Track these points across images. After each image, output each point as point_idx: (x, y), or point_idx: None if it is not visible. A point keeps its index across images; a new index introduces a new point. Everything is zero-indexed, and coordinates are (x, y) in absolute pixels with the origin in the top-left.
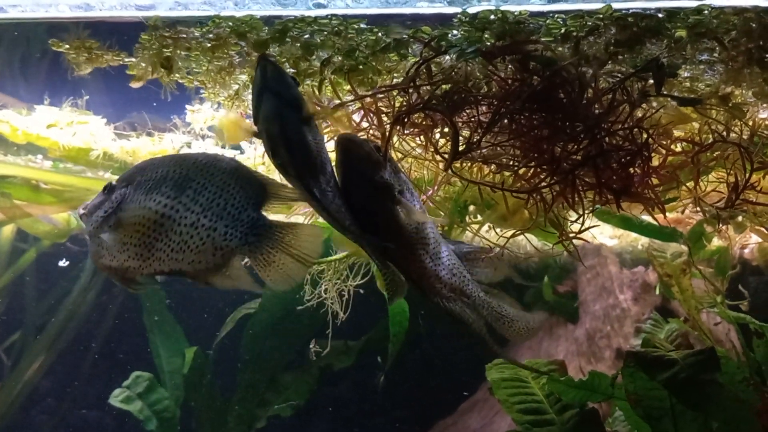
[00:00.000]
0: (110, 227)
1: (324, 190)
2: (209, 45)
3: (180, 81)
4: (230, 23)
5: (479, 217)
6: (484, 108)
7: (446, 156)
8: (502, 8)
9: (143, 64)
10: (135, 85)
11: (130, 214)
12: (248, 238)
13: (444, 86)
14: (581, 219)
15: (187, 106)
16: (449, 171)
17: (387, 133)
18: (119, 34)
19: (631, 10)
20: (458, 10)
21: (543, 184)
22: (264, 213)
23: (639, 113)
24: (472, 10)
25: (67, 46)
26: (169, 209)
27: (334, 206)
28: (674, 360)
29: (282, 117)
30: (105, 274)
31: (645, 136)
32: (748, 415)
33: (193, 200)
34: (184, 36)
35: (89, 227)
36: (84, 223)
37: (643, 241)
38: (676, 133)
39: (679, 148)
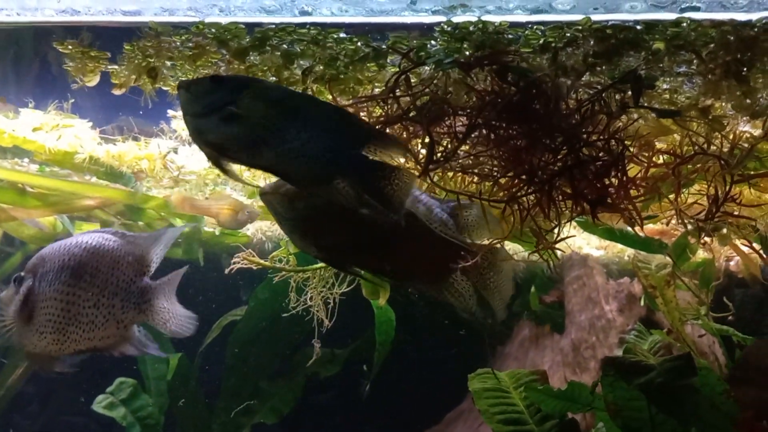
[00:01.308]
0: (23, 320)
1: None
2: (190, 53)
3: (164, 88)
4: (213, 30)
5: None
6: (464, 119)
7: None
8: (484, 18)
9: (126, 72)
10: (117, 92)
11: (39, 306)
12: (141, 306)
13: (424, 97)
14: (559, 228)
15: (169, 111)
16: (427, 180)
17: None
18: (105, 39)
19: (610, 22)
20: (443, 19)
21: (520, 193)
22: (150, 278)
23: (618, 124)
24: (456, 20)
25: (71, 47)
26: (72, 296)
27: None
28: (651, 366)
29: (206, 132)
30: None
31: (621, 147)
32: (725, 422)
33: (90, 283)
34: (166, 45)
35: (6, 321)
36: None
37: (629, 252)
38: (658, 145)
39: (660, 160)
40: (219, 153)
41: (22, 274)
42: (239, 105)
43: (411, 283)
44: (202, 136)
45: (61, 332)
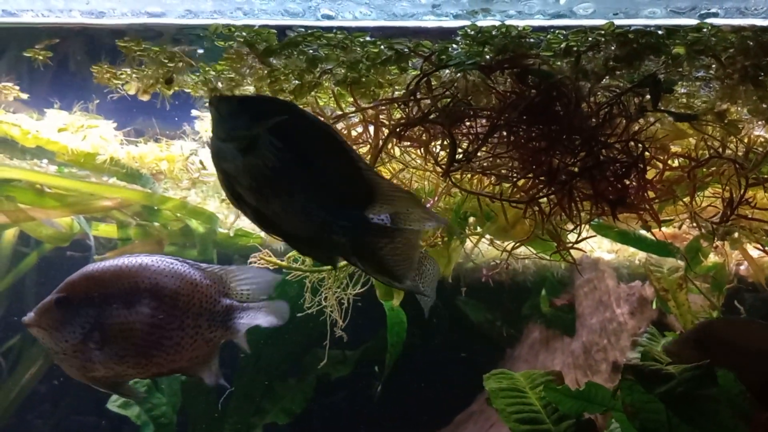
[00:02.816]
0: (97, 344)
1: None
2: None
3: (186, 90)
4: (244, 33)
5: (479, 229)
6: (484, 121)
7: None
8: (507, 23)
9: (144, 79)
10: (145, 97)
11: (118, 329)
12: (227, 324)
13: (444, 100)
14: (578, 230)
15: (193, 111)
16: (448, 180)
17: (380, 144)
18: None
19: (632, 27)
20: (466, 23)
21: (540, 194)
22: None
23: (635, 127)
24: (480, 24)
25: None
26: (161, 321)
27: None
28: (671, 374)
29: (222, 158)
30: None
31: (640, 148)
32: (745, 431)
33: (172, 306)
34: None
35: (63, 345)
36: (48, 342)
37: (640, 255)
38: (674, 148)
39: (676, 163)
40: (232, 184)
41: (65, 295)
42: (259, 139)
43: None
44: (218, 161)
45: (144, 356)
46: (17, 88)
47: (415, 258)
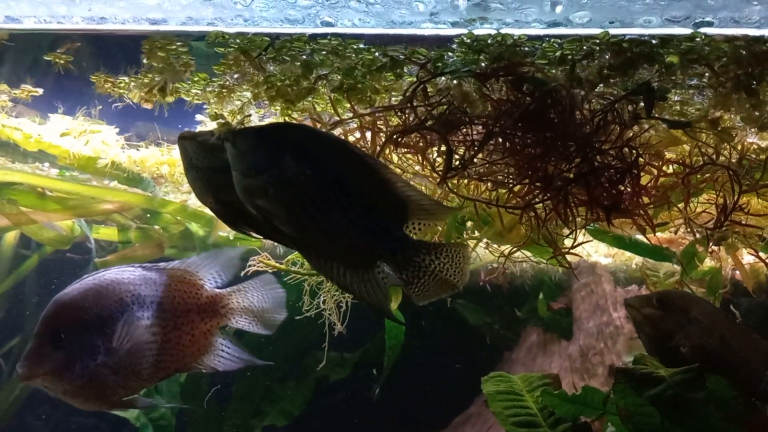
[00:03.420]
0: (111, 368)
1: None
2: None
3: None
4: (237, 40)
5: (477, 233)
6: (480, 128)
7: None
8: (504, 31)
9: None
10: (148, 106)
11: (125, 347)
12: (219, 311)
13: (440, 108)
14: (574, 235)
15: (197, 116)
16: (445, 187)
17: (377, 150)
18: (131, 47)
19: (627, 36)
20: (464, 31)
21: (536, 200)
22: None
23: (630, 133)
24: (476, 32)
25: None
26: (158, 327)
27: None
28: (662, 377)
29: (254, 194)
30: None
31: (634, 154)
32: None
33: (165, 311)
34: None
35: (78, 382)
36: (58, 386)
37: (637, 260)
38: (668, 155)
39: (670, 170)
40: (268, 218)
41: (57, 332)
42: (285, 168)
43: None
44: (250, 198)
45: (153, 365)
46: (40, 91)
47: (467, 272)
